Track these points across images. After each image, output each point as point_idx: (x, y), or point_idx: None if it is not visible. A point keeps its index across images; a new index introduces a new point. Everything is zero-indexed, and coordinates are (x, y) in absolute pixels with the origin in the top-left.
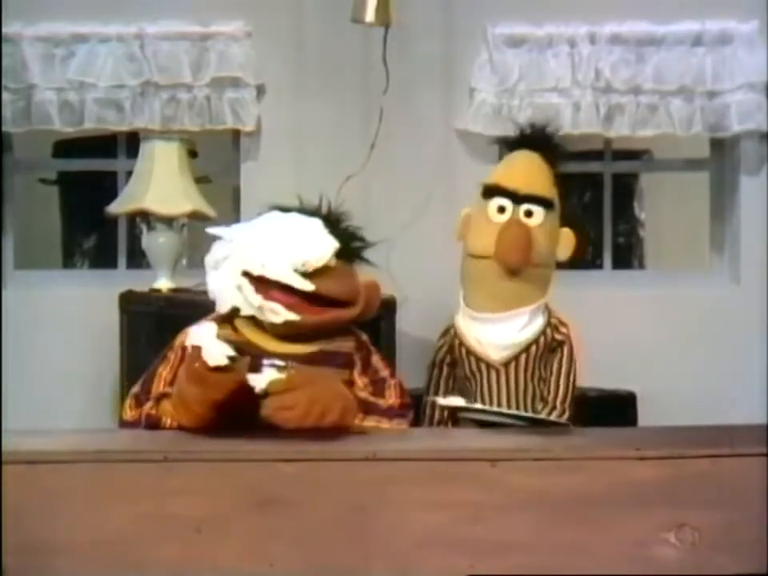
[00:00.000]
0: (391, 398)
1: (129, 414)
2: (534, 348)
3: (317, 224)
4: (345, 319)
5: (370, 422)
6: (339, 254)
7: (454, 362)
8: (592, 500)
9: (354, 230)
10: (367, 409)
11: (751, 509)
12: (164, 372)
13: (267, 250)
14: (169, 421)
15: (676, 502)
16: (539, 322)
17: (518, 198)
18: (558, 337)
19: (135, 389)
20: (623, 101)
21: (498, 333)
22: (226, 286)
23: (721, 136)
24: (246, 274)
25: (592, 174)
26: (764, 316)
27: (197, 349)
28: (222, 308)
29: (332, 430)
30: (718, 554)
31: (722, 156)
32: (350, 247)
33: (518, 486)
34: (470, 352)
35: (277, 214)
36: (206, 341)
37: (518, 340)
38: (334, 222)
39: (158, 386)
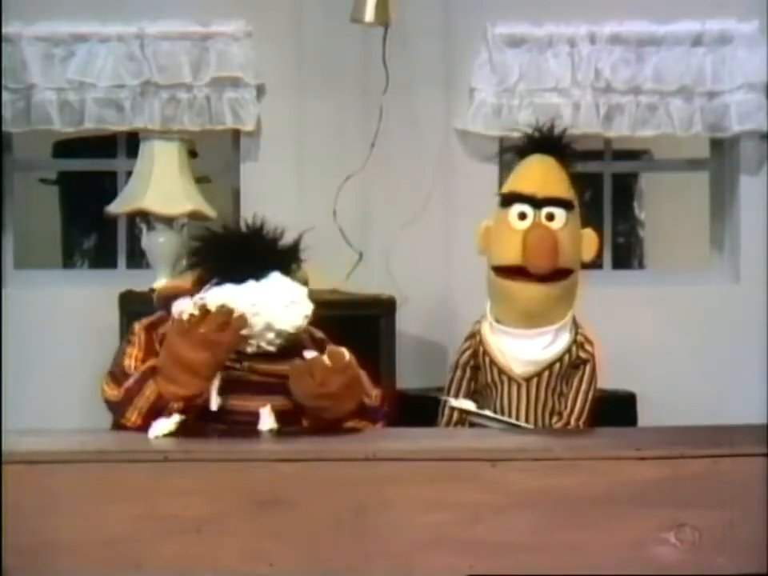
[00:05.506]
0: (373, 391)
1: (109, 393)
2: (557, 366)
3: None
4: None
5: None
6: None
7: (477, 366)
8: (592, 500)
9: (289, 243)
10: (362, 412)
11: (751, 509)
12: (133, 351)
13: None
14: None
15: (676, 502)
16: (565, 339)
17: (537, 202)
18: (583, 355)
19: (109, 368)
20: (623, 101)
21: (521, 348)
22: None
23: (721, 136)
24: None
25: (592, 173)
26: (764, 315)
27: (194, 315)
28: None
29: (331, 429)
30: (718, 554)
31: (721, 156)
32: (296, 261)
33: (518, 486)
34: (493, 362)
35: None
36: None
37: (542, 358)
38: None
39: (130, 364)
